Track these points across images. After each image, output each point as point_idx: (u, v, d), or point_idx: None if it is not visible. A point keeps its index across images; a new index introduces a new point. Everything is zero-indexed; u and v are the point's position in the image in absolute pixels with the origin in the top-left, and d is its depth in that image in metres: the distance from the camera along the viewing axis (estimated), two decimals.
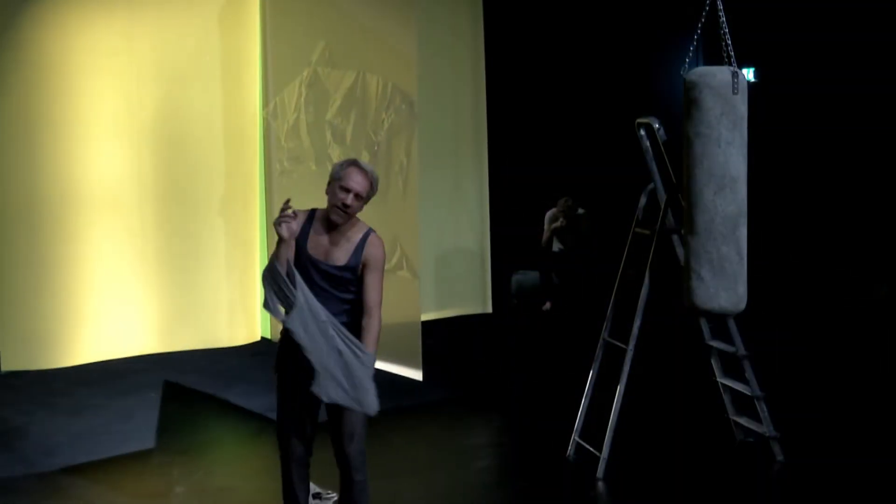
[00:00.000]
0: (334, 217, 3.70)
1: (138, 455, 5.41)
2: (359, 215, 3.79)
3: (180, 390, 6.60)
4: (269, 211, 6.01)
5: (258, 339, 6.12)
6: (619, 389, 4.99)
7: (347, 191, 3.68)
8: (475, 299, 6.60)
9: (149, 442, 5.60)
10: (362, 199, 3.71)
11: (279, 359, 3.84)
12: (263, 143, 6.11)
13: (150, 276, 5.59)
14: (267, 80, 6.04)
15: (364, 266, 3.73)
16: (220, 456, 5.50)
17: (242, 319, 5.95)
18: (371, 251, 3.73)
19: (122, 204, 5.47)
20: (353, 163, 3.76)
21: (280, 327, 3.83)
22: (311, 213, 3.80)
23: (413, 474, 5.10)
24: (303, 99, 5.90)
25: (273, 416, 5.43)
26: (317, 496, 4.47)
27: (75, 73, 5.29)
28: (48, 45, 5.24)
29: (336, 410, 3.74)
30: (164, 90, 5.54)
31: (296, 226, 3.63)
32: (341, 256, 3.71)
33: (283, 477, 3.85)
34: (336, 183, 3.70)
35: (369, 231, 3.78)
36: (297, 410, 3.78)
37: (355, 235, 3.73)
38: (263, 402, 6.21)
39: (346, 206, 3.67)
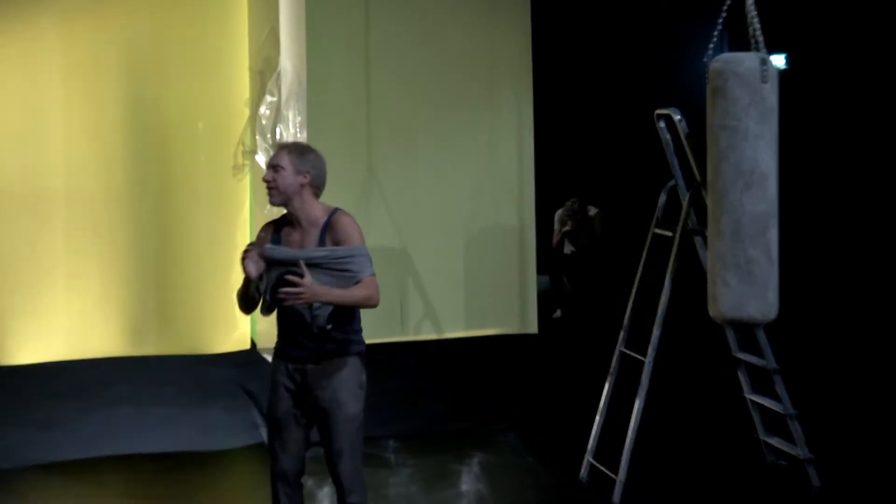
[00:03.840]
0: (270, 200, 3.73)
1: (113, 470, 5.34)
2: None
3: (158, 402, 6.47)
4: (255, 205, 5.95)
5: (247, 347, 6.11)
6: (637, 405, 4.90)
7: (268, 168, 3.76)
8: (511, 315, 6.02)
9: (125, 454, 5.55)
10: (284, 170, 3.67)
11: (273, 369, 3.77)
12: None
13: (117, 273, 5.64)
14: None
15: (339, 245, 3.72)
16: (203, 473, 5.41)
17: (228, 325, 5.90)
18: (337, 228, 3.69)
19: (86, 198, 5.56)
20: (283, 145, 3.86)
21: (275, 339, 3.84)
22: (280, 218, 3.81)
23: (419, 496, 5.07)
24: (255, 91, 5.99)
25: (258, 433, 5.65)
26: None
27: (46, 67, 5.44)
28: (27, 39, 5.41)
29: (323, 428, 3.71)
30: (139, 83, 5.64)
31: (262, 263, 3.67)
32: (312, 242, 3.71)
33: (273, 497, 3.78)
34: None
35: (335, 210, 3.76)
36: (289, 425, 3.72)
37: (321, 219, 3.73)
38: (246, 417, 6.11)
39: (267, 181, 3.70)
